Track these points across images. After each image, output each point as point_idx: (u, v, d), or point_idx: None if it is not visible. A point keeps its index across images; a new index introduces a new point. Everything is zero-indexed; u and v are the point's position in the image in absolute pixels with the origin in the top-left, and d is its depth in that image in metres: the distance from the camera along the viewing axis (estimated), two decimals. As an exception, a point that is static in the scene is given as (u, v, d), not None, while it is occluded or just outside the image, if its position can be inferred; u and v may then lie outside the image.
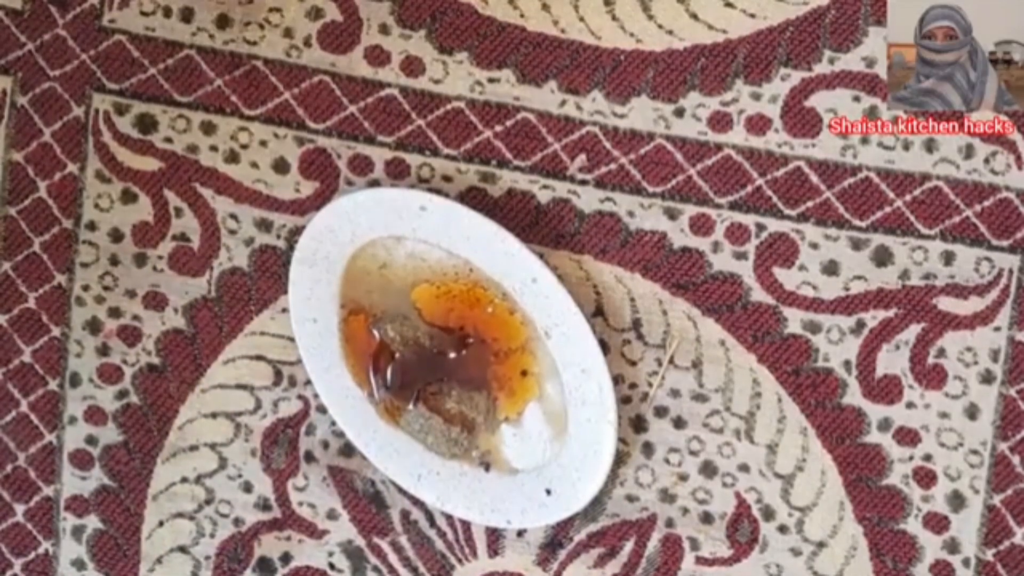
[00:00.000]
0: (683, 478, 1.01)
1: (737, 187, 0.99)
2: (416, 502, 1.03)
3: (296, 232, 1.01)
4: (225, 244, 1.02)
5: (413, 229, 0.98)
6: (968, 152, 0.97)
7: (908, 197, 0.98)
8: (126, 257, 1.03)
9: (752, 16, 0.98)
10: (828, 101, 0.98)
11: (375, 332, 1.00)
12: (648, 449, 1.01)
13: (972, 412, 0.99)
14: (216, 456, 1.04)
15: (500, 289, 0.98)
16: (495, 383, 0.99)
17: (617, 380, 1.00)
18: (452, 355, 0.99)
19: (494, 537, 1.03)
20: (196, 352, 1.03)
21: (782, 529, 1.01)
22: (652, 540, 1.02)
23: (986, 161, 0.97)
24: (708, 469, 1.01)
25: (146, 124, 1.02)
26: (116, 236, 1.03)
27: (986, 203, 0.97)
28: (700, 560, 1.02)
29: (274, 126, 1.01)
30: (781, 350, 0.99)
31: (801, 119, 0.98)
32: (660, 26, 0.98)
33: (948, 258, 0.98)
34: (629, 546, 1.02)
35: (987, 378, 0.98)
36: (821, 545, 1.00)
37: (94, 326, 1.03)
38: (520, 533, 1.03)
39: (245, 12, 1.01)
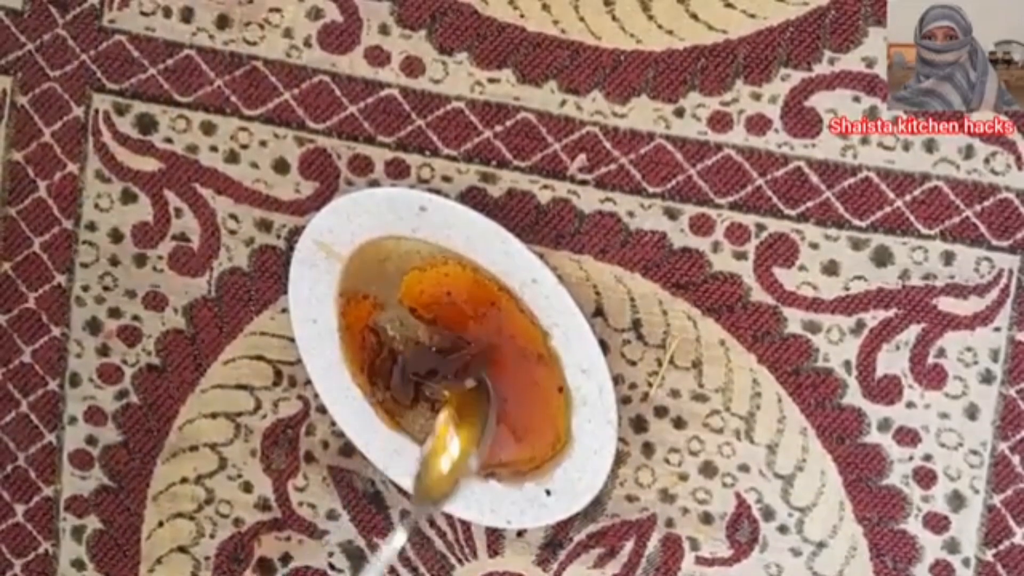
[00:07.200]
0: (683, 478, 1.01)
1: (737, 187, 0.99)
2: (416, 502, 1.03)
3: (296, 232, 1.01)
4: (225, 244, 1.02)
5: (413, 229, 0.98)
6: (968, 152, 0.97)
7: (908, 197, 0.98)
8: (126, 257, 1.03)
9: (752, 16, 0.98)
10: (828, 101, 0.98)
11: (375, 331, 1.00)
12: (648, 449, 1.01)
13: (972, 412, 0.99)
14: (216, 456, 1.04)
15: (503, 288, 0.98)
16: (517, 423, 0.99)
17: (617, 380, 1.00)
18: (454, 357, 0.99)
19: (494, 537, 1.03)
20: (196, 352, 1.03)
21: (782, 529, 1.01)
22: (652, 540, 1.02)
23: (986, 161, 0.97)
24: (708, 469, 1.01)
25: (146, 124, 1.02)
26: (116, 236, 1.03)
27: (986, 203, 0.97)
28: (700, 560, 1.02)
29: (274, 126, 1.01)
30: (781, 350, 0.99)
31: (801, 119, 0.98)
32: (660, 26, 0.98)
33: (948, 258, 0.98)
34: (629, 546, 1.02)
35: (987, 378, 0.98)
36: (821, 545, 1.00)
37: (94, 326, 1.03)
38: (520, 533, 1.03)
39: (245, 12, 1.01)
